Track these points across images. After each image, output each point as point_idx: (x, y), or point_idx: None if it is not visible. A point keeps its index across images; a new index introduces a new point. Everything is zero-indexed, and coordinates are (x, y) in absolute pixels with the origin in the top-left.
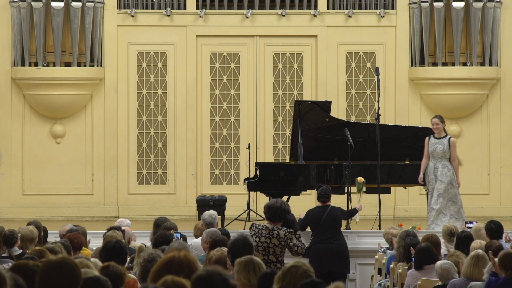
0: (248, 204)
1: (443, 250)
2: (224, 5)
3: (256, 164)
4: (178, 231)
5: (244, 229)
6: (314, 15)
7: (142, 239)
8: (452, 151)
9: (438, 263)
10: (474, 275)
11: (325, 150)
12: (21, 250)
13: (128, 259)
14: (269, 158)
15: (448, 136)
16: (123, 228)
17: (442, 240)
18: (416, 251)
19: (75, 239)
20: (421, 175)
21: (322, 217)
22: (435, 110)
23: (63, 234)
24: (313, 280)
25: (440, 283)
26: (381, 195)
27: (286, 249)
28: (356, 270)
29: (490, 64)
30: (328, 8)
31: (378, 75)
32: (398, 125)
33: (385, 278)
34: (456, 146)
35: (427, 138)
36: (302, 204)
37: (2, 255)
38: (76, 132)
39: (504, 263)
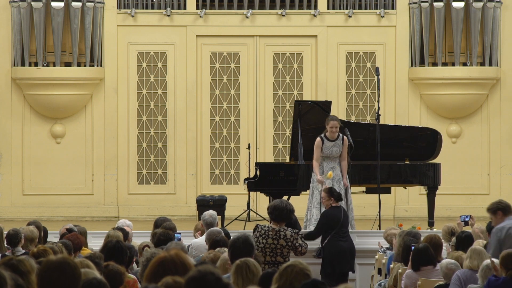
0: (248, 204)
1: (443, 251)
2: (224, 5)
3: (256, 164)
4: (178, 231)
5: (244, 229)
6: (314, 15)
7: (142, 239)
8: (344, 150)
9: (444, 262)
10: (474, 266)
11: None
12: (24, 251)
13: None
14: (269, 158)
15: (342, 136)
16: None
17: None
18: (413, 251)
19: (74, 240)
20: (319, 177)
21: (341, 216)
22: (435, 110)
23: (63, 234)
24: (314, 280)
25: (441, 282)
26: (381, 195)
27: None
28: (356, 270)
29: (490, 64)
30: (328, 8)
31: (378, 75)
32: (398, 125)
33: (385, 278)
34: (347, 145)
35: (319, 140)
36: (302, 204)
37: (5, 253)
38: (76, 132)
39: (506, 262)
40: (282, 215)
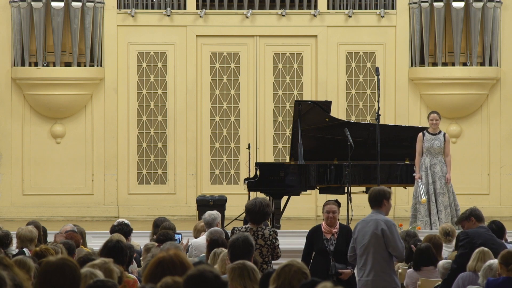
0: None
1: (444, 251)
2: (224, 5)
3: (256, 164)
4: (178, 231)
5: None
6: (314, 15)
7: (142, 239)
8: (447, 147)
9: (441, 262)
10: (479, 269)
11: (325, 150)
12: (17, 250)
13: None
14: (269, 158)
15: (443, 132)
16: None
17: None
18: (415, 251)
19: (71, 239)
20: (418, 174)
21: None
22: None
23: (62, 234)
24: (314, 279)
25: (440, 282)
26: None
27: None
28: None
29: (490, 64)
30: (328, 8)
31: (378, 75)
32: (398, 125)
33: None
34: (450, 142)
35: (420, 134)
36: (302, 204)
37: None
38: (76, 132)
39: (507, 261)
40: (257, 217)
